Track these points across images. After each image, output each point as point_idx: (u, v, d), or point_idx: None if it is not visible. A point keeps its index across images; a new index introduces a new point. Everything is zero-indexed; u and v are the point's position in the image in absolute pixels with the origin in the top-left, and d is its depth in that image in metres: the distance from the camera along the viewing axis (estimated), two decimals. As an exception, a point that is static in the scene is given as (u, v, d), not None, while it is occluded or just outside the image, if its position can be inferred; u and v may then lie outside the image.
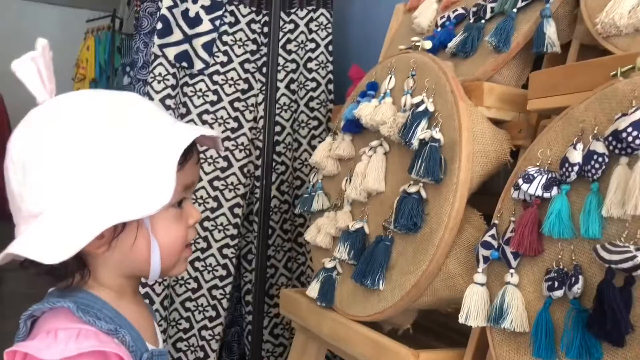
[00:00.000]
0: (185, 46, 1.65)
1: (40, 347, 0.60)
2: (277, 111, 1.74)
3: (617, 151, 0.66)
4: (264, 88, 1.72)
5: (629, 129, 0.64)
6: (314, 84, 1.80)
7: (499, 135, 0.95)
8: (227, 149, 1.69)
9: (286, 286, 1.78)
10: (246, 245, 1.79)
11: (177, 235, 0.70)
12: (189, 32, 1.66)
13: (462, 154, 0.91)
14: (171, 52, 1.62)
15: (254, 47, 1.74)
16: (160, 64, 1.61)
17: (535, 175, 0.74)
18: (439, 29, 1.24)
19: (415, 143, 0.98)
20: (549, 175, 0.73)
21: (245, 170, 1.70)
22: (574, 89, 0.78)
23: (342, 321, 1.09)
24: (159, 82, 1.60)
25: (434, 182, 0.94)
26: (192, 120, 1.67)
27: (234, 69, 1.72)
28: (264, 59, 1.74)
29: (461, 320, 0.79)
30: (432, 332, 1.16)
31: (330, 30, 1.83)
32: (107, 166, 0.62)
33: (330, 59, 1.83)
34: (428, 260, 0.92)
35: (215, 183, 1.68)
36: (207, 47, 1.69)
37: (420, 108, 1.00)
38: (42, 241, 0.60)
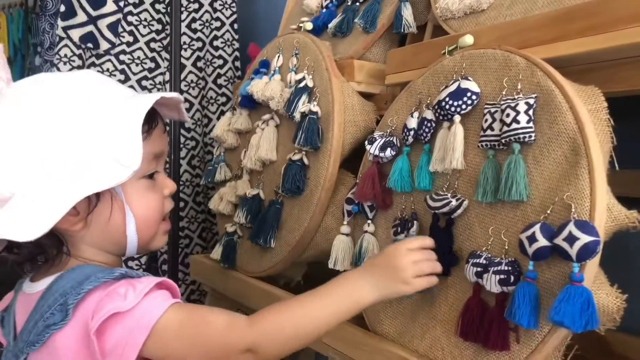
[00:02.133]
0: (90, 27, 1.69)
1: (116, 305, 0.60)
2: (185, 89, 1.81)
3: (441, 117, 0.79)
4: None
5: (447, 98, 0.78)
6: (220, 62, 1.89)
7: (366, 107, 1.08)
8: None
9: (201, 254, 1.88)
10: (162, 218, 1.87)
11: (153, 205, 0.70)
12: (93, 13, 1.70)
13: (335, 124, 1.04)
14: (76, 34, 1.66)
15: (159, 27, 1.80)
16: (66, 45, 1.64)
17: (377, 138, 0.88)
18: (324, 10, 1.35)
19: (297, 116, 1.10)
20: (387, 139, 0.87)
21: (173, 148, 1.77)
22: (419, 65, 0.91)
23: (242, 279, 1.21)
24: (64, 63, 1.64)
25: (313, 150, 1.07)
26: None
27: (140, 48, 1.77)
28: (170, 38, 1.80)
29: (330, 265, 0.93)
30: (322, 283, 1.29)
31: (234, 9, 1.92)
32: (70, 140, 0.62)
33: (236, 36, 1.91)
34: (309, 218, 1.05)
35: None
36: (113, 27, 1.73)
37: (302, 84, 1.12)
38: (15, 221, 0.60)
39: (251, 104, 1.28)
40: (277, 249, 1.12)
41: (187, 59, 1.83)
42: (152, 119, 0.69)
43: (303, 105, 1.09)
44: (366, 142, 0.90)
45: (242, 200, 1.25)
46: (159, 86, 1.78)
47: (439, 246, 0.75)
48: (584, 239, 0.58)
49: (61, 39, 1.64)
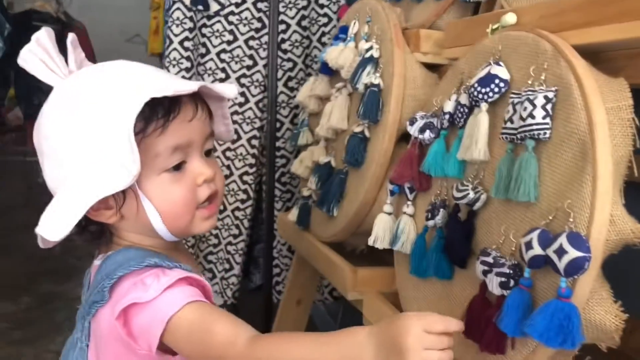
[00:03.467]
0: (201, -10, 1.79)
1: (137, 295, 0.64)
2: (289, 48, 1.86)
3: (473, 102, 0.76)
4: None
5: (476, 84, 0.74)
6: (325, 19, 1.90)
7: (429, 80, 1.04)
8: (243, 85, 1.85)
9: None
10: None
11: (176, 198, 0.70)
12: (204, -24, 1.79)
13: (392, 97, 1.03)
14: (187, -3, 1.76)
15: (266, -12, 1.85)
16: (178, 8, 1.76)
17: (418, 119, 0.86)
18: (406, -28, 1.30)
19: (360, 87, 1.10)
20: (428, 120, 0.84)
21: (260, 105, 1.86)
22: (470, 41, 0.86)
23: (312, 242, 1.27)
24: (177, 25, 1.76)
25: (373, 123, 1.07)
26: (211, 59, 1.84)
27: (247, 9, 1.84)
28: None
29: (370, 242, 0.94)
30: (388, 252, 1.31)
31: (341, -35, 1.90)
32: (80, 146, 0.66)
33: (342, -7, 1.90)
34: (364, 192, 1.06)
35: (235, 117, 1.86)
36: (222, -11, 1.82)
37: (368, 54, 1.11)
38: (48, 220, 0.66)
39: (329, 71, 1.30)
40: (339, 219, 1.16)
41: (292, 18, 1.87)
42: (168, 111, 0.67)
43: (367, 76, 1.09)
44: (407, 123, 0.89)
45: (316, 166, 1.29)
46: (264, 46, 1.85)
47: (454, 237, 0.74)
48: (573, 253, 0.54)
49: (174, 2, 1.76)
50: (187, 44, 1.77)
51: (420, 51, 1.06)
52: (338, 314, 2.06)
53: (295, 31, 1.88)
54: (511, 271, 0.64)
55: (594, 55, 0.69)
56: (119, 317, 0.66)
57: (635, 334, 0.90)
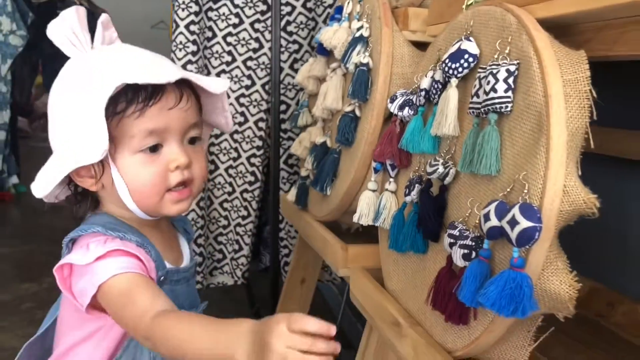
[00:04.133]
0: (206, -26, 1.81)
1: (77, 257, 0.72)
2: (294, 30, 1.87)
3: (446, 79, 0.76)
4: (281, 9, 1.85)
5: (447, 60, 0.74)
6: (331, 0, 1.90)
7: (417, 58, 1.04)
8: (250, 67, 1.87)
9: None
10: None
11: (145, 179, 0.74)
12: (209, -40, 1.81)
13: (379, 76, 1.03)
14: (192, -18, 1.78)
15: (271, -30, 1.85)
16: (184, -8, 1.78)
17: (398, 96, 0.86)
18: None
19: (350, 67, 1.10)
20: (407, 98, 0.85)
21: (266, 87, 1.87)
22: (449, 18, 0.86)
23: (309, 221, 1.29)
24: (183, 9, 1.78)
25: (362, 102, 1.08)
26: (217, 42, 1.86)
27: (253, -8, 1.85)
28: (281, -20, 1.85)
29: (354, 219, 0.96)
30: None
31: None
32: (69, 120, 0.73)
33: (348, -26, 1.90)
34: (354, 170, 1.08)
35: (242, 100, 1.88)
36: (228, -27, 1.83)
37: (358, 33, 1.11)
38: (38, 178, 0.74)
39: (325, 52, 1.31)
40: (332, 198, 1.17)
41: (297, 0, 1.87)
42: (149, 97, 0.72)
43: (356, 55, 1.10)
44: (388, 100, 0.89)
45: (312, 146, 1.31)
46: (270, 28, 1.86)
47: (425, 211, 0.75)
48: (524, 224, 0.55)
49: (179, -13, 1.78)
50: (193, 27, 1.79)
51: (409, 29, 1.07)
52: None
53: (300, 13, 1.88)
54: (473, 243, 0.65)
55: (564, 28, 0.69)
56: (58, 270, 0.72)
57: (617, 309, 0.90)
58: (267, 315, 0.61)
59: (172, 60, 1.80)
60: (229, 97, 1.87)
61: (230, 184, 1.93)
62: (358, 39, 1.10)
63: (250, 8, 1.86)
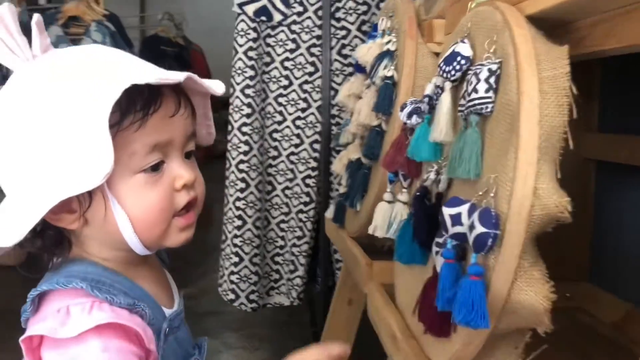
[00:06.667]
0: (264, 2, 1.87)
1: (54, 326, 0.56)
2: (349, 53, 1.88)
3: (443, 83, 0.74)
4: (337, 32, 1.88)
5: (441, 64, 0.72)
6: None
7: (440, 70, 1.02)
8: (306, 91, 1.91)
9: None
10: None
11: (151, 204, 0.60)
12: (267, -12, 1.88)
13: (402, 88, 1.02)
14: (250, 9, 1.86)
15: (327, -5, 1.89)
16: (242, 20, 1.86)
17: (408, 104, 0.84)
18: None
19: (377, 81, 1.10)
20: (416, 105, 0.83)
21: (321, 109, 1.90)
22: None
23: (343, 237, 1.27)
24: (241, 36, 1.86)
25: (386, 116, 1.06)
26: (275, 67, 1.91)
27: (309, 17, 1.90)
28: (337, 4, 1.88)
29: (370, 231, 0.94)
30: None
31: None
32: (42, 142, 0.57)
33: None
34: (377, 184, 1.06)
35: (297, 122, 1.91)
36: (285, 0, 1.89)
37: (385, 48, 1.11)
38: (1, 227, 0.57)
39: (362, 69, 1.31)
40: (361, 213, 1.16)
41: (352, 23, 1.89)
42: (148, 103, 0.58)
43: (383, 69, 1.09)
44: (399, 108, 0.88)
45: (348, 163, 1.30)
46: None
47: (418, 220, 0.72)
48: (479, 229, 0.52)
49: (238, 14, 1.86)
50: (250, 53, 1.85)
51: (435, 41, 1.05)
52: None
53: (355, 36, 1.90)
54: (455, 251, 0.61)
55: (560, 27, 0.65)
56: (26, 340, 0.58)
57: (634, 324, 0.82)
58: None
59: (232, 85, 1.87)
60: (285, 119, 1.91)
61: (287, 205, 1.96)
62: (385, 54, 1.10)
63: (306, 33, 1.90)
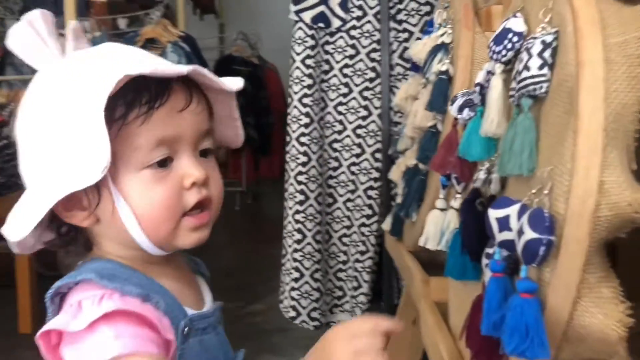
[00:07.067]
0: (322, 8, 1.81)
1: (66, 320, 0.55)
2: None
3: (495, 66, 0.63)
4: (398, 35, 1.79)
5: (491, 44, 0.62)
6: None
7: (500, 60, 0.90)
8: (366, 98, 1.82)
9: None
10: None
11: (157, 200, 0.59)
12: (325, -7, 1.82)
13: (457, 83, 0.91)
14: (307, 16, 1.80)
15: (387, -4, 1.80)
16: (300, 28, 1.80)
17: (458, 97, 0.74)
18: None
19: (431, 77, 1.00)
20: (467, 97, 0.72)
21: (382, 117, 1.81)
22: (518, 4, 0.73)
23: (400, 251, 1.17)
24: (299, 44, 1.80)
25: (441, 114, 0.96)
26: (334, 75, 1.84)
27: (369, 21, 1.82)
28: (398, 6, 1.79)
29: (420, 243, 0.83)
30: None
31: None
32: (47, 139, 0.58)
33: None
34: (433, 192, 0.95)
35: (358, 131, 1.83)
36: (343, 4, 1.82)
37: (440, 40, 1.01)
38: (12, 219, 0.59)
39: (418, 68, 1.21)
40: (418, 223, 1.05)
41: (414, 25, 1.79)
42: (155, 97, 0.57)
43: (437, 64, 0.99)
44: (450, 102, 0.77)
45: (405, 170, 1.20)
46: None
47: (467, 227, 0.62)
48: (528, 234, 0.41)
49: (296, 22, 1.80)
50: (308, 61, 1.80)
51: (492, 30, 0.93)
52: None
53: (418, 38, 1.79)
54: (505, 263, 0.51)
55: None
56: (43, 336, 0.56)
57: None
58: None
59: (289, 95, 1.82)
60: (345, 128, 1.84)
61: (348, 218, 1.87)
62: (439, 47, 1.00)
63: (366, 38, 1.82)
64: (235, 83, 0.64)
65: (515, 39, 0.58)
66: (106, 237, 0.62)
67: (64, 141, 0.57)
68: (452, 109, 0.75)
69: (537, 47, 0.50)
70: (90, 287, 0.57)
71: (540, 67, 0.49)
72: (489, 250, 0.54)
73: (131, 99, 0.57)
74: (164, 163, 0.59)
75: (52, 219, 0.60)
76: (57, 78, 0.60)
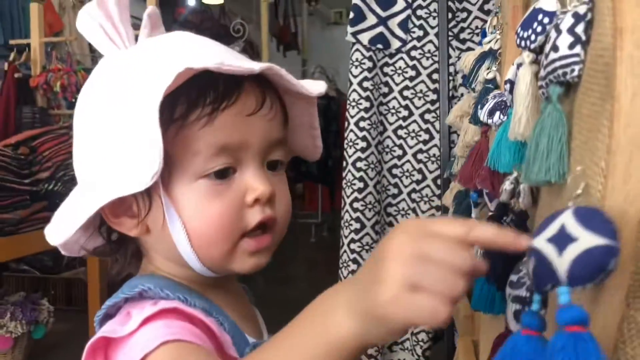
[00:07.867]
0: (380, 29, 1.74)
1: (114, 327, 0.50)
2: (476, 76, 1.67)
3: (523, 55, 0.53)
4: (461, 55, 1.68)
5: (519, 30, 0.52)
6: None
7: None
8: (427, 121, 1.72)
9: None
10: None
11: (212, 216, 0.51)
12: (383, 14, 1.75)
13: (502, 89, 0.80)
14: (365, 37, 1.73)
15: (449, 15, 1.71)
16: (357, 50, 1.74)
17: (489, 99, 0.64)
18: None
19: (477, 87, 0.90)
20: (498, 100, 0.62)
21: (442, 140, 1.69)
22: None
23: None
24: (356, 67, 1.74)
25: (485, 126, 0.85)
26: (394, 97, 1.75)
27: (430, 41, 1.73)
28: (461, 24, 1.70)
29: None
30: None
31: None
32: (103, 133, 0.53)
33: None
34: (479, 214, 0.84)
35: (419, 156, 1.73)
36: (403, 25, 1.74)
37: (487, 47, 0.91)
38: (55, 220, 0.55)
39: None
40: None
41: (479, 44, 1.68)
42: (221, 97, 0.50)
43: (484, 72, 0.89)
44: (479, 107, 0.67)
45: (456, 193, 1.09)
46: (449, 77, 1.70)
47: (490, 252, 0.51)
48: (586, 241, 0.30)
49: (353, 44, 1.74)
50: (366, 84, 1.72)
51: (547, 31, 0.82)
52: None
53: (482, 57, 1.69)
54: (528, 294, 0.40)
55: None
56: (89, 352, 0.51)
57: None
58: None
59: (346, 119, 1.75)
60: (405, 153, 1.74)
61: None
62: (486, 54, 0.90)
63: (427, 59, 1.72)
64: (317, 87, 0.57)
65: (546, 20, 0.48)
66: (155, 251, 0.56)
67: (115, 139, 0.51)
68: (481, 114, 0.65)
69: (567, 22, 0.40)
70: (144, 299, 0.52)
71: (571, 46, 0.39)
72: (513, 278, 0.44)
73: (195, 97, 0.50)
74: (224, 174, 0.52)
75: (102, 224, 0.55)
76: (118, 67, 0.54)
